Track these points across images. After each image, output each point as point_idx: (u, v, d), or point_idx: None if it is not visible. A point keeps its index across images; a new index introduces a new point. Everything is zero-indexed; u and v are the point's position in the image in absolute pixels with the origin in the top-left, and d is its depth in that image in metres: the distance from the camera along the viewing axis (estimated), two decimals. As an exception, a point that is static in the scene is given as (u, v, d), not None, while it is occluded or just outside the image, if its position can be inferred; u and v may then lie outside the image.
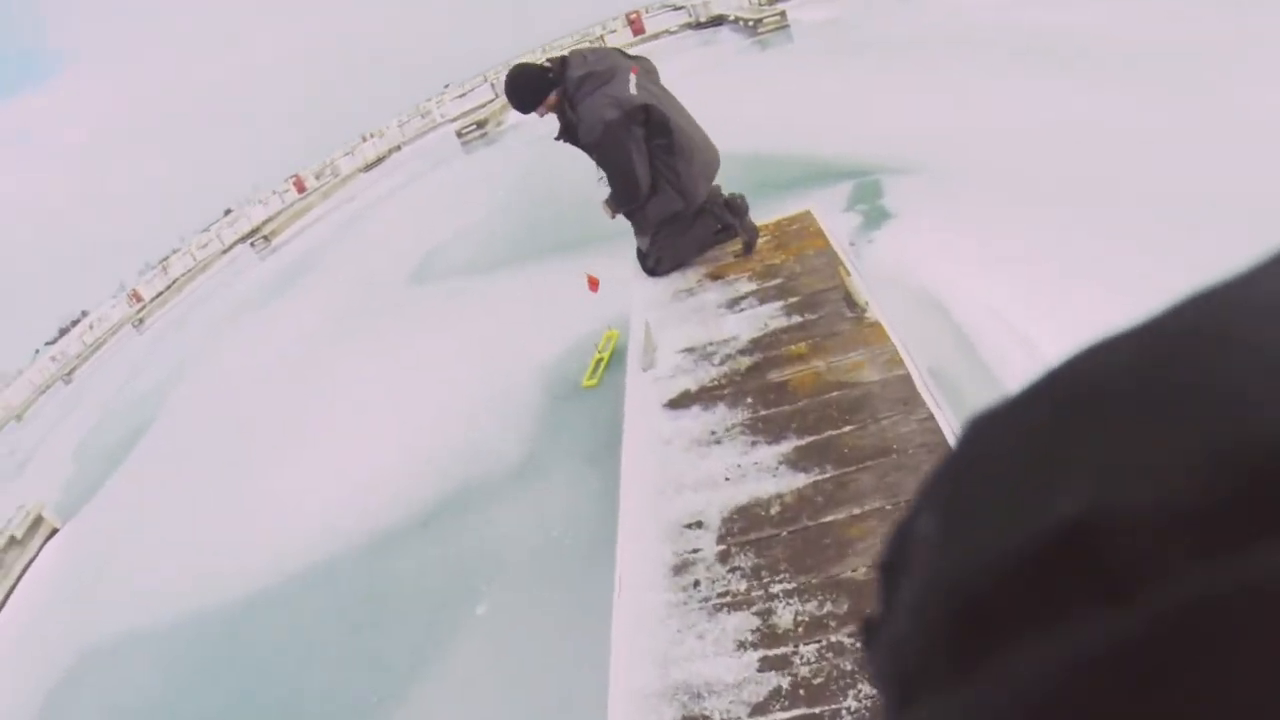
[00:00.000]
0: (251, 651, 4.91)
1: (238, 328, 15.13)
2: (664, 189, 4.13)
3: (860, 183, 6.99)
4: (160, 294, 32.91)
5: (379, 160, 34.02)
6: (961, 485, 0.22)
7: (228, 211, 56.70)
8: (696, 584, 2.40)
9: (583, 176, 10.75)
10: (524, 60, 4.45)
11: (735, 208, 4.31)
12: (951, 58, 10.05)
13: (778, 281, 3.85)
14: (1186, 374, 0.18)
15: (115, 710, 5.68)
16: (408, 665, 3.96)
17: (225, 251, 34.15)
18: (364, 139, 40.96)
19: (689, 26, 27.43)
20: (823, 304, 3.50)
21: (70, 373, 29.65)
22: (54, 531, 10.50)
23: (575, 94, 3.97)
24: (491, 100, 29.98)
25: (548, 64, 4.08)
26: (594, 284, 4.84)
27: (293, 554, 5.41)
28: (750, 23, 20.08)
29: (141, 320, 28.83)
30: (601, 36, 33.06)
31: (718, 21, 25.34)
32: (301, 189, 36.57)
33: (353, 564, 4.88)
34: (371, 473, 5.69)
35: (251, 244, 27.55)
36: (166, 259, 52.66)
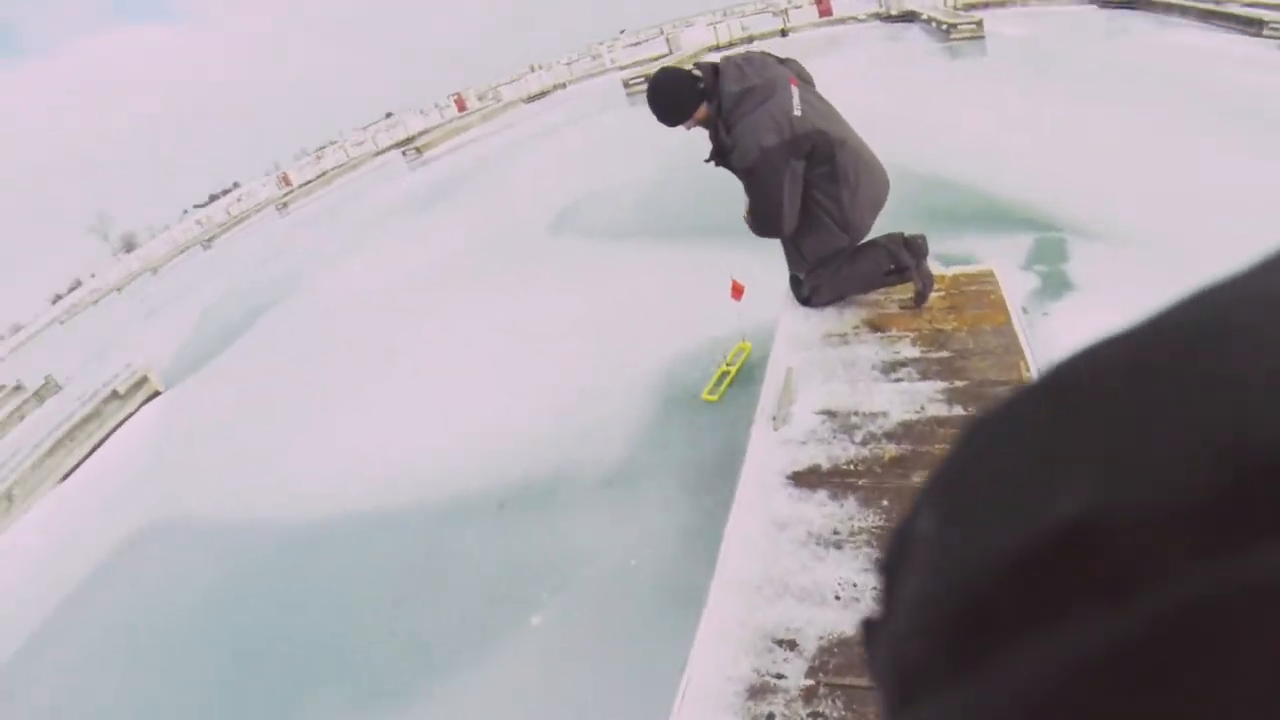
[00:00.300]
0: (289, 587, 4.69)
1: (369, 236, 15.26)
2: (823, 223, 3.59)
3: (1043, 239, 6.15)
4: (308, 182, 33.96)
5: (541, 94, 34.05)
6: (962, 485, 0.22)
7: (389, 115, 58.44)
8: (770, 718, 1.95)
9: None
10: (670, 64, 3.88)
11: (915, 248, 3.71)
12: (1160, 104, 8.91)
13: (944, 355, 3.27)
14: (1186, 372, 0.18)
15: (145, 595, 5.70)
16: (444, 656, 3.60)
17: (378, 154, 34.96)
18: (531, 69, 41.17)
19: (878, 17, 26.26)
20: (992, 400, 2.92)
21: (210, 239, 31.01)
22: (155, 394, 10.77)
23: (732, 112, 3.45)
24: (664, 55, 29.51)
25: (697, 71, 3.55)
26: (738, 291, 4.32)
27: (356, 496, 5.15)
28: (943, 26, 18.89)
29: (285, 204, 29.74)
30: (786, 10, 32.19)
31: (909, 18, 24.11)
32: (462, 108, 37.05)
33: (414, 526, 4.56)
34: (457, 431, 5.37)
35: (403, 152, 27.96)
36: (322, 149, 54.69)
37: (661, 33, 40.76)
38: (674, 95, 3.49)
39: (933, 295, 3.73)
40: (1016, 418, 0.21)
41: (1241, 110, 8.03)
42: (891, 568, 0.24)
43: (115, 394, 10.37)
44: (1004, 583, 0.18)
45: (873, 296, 3.87)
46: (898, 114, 10.57)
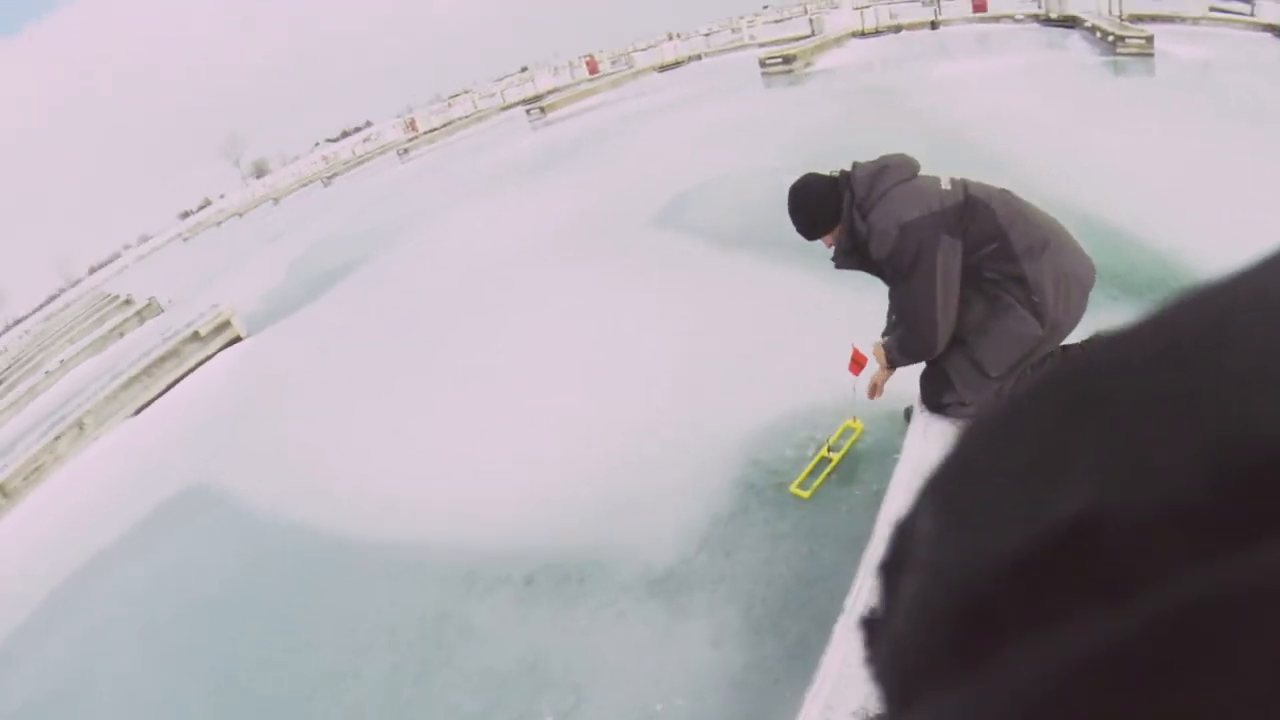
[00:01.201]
0: (297, 600, 4.32)
1: (474, 196, 14.91)
2: (1008, 310, 2.70)
3: None
4: (433, 130, 34.20)
5: (675, 64, 33.22)
6: (961, 484, 0.22)
7: (524, 69, 58.56)
8: None
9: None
10: (811, 171, 3.09)
11: None
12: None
13: None
14: (1187, 372, 0.18)
15: (167, 566, 5.57)
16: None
17: (504, 109, 34.90)
18: (669, 37, 40.34)
19: (1037, 19, 24.37)
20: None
21: (331, 177, 31.53)
22: (236, 339, 10.64)
23: (866, 198, 2.78)
24: (806, 35, 28.26)
25: (837, 175, 2.95)
26: (859, 364, 3.48)
27: (393, 521, 4.67)
28: (1109, 37, 17.11)
29: (407, 150, 29.92)
30: (938, 1, 30.55)
31: (1070, 23, 22.16)
32: (593, 70, 36.61)
33: (438, 578, 3.98)
34: (506, 466, 4.78)
35: (528, 110, 27.63)
36: (455, 97, 55.34)
37: (805, 12, 39.36)
38: (816, 201, 2.93)
39: None
40: (1016, 417, 0.21)
41: None
42: (891, 567, 0.24)
43: (196, 335, 10.28)
44: (1004, 583, 0.18)
45: None
46: (1053, 136, 9.43)
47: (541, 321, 6.87)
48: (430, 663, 3.52)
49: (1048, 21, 23.67)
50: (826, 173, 2.98)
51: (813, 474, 3.81)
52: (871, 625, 0.24)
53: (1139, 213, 6.68)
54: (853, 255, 2.91)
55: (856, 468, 3.79)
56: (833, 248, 3.03)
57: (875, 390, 3.37)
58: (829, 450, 3.86)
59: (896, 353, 3.01)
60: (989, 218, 2.66)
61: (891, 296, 2.98)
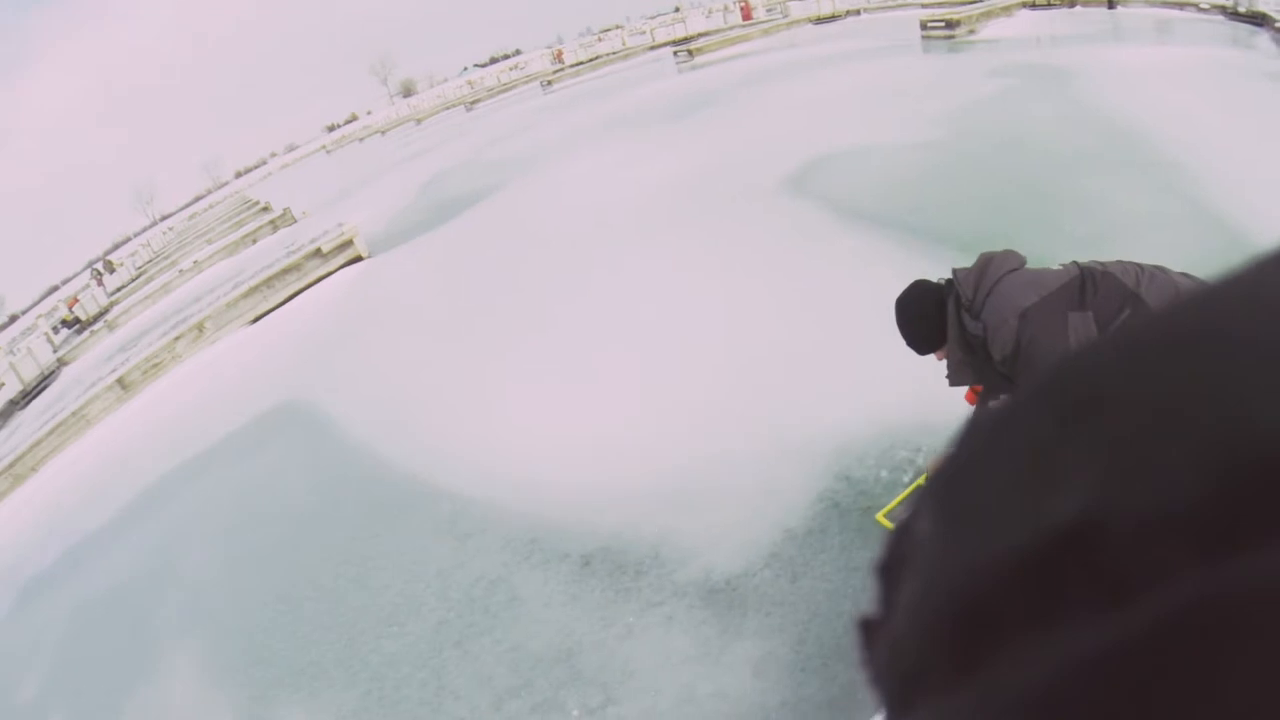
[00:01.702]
0: (359, 544, 4.32)
1: (610, 135, 14.74)
2: None
3: None
4: (579, 64, 34.07)
5: (833, 17, 31.91)
6: (961, 486, 0.22)
7: (677, 9, 57.68)
8: None
9: (1067, 166, 8.57)
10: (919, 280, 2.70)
11: None
12: None
13: None
14: (1186, 374, 0.18)
15: (244, 480, 5.82)
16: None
17: (652, 48, 34.44)
18: (830, -14, 38.90)
19: (1223, 11, 22.19)
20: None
21: (474, 102, 31.93)
22: (357, 259, 10.87)
23: (974, 297, 2.48)
24: (974, 1, 26.66)
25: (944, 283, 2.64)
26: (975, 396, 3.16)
27: (473, 461, 4.66)
28: None
29: (551, 82, 29.94)
30: None
31: (1258, 20, 20.08)
32: (747, 16, 35.67)
33: (499, 544, 3.92)
34: (586, 435, 4.63)
35: (675, 53, 27.15)
36: (606, 30, 55.13)
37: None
38: (921, 319, 2.65)
39: None
40: (1015, 419, 0.21)
41: None
42: (890, 568, 0.24)
43: (319, 251, 10.55)
44: (1004, 584, 0.18)
45: None
46: (1228, 148, 8.52)
47: (649, 286, 6.65)
48: (475, 628, 3.46)
49: (1235, 15, 21.54)
50: (936, 280, 2.67)
51: (899, 506, 3.49)
52: (869, 627, 0.24)
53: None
54: (968, 367, 2.60)
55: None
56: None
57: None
58: (924, 480, 3.46)
59: None
60: (1112, 284, 2.30)
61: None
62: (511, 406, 5.21)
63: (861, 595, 3.10)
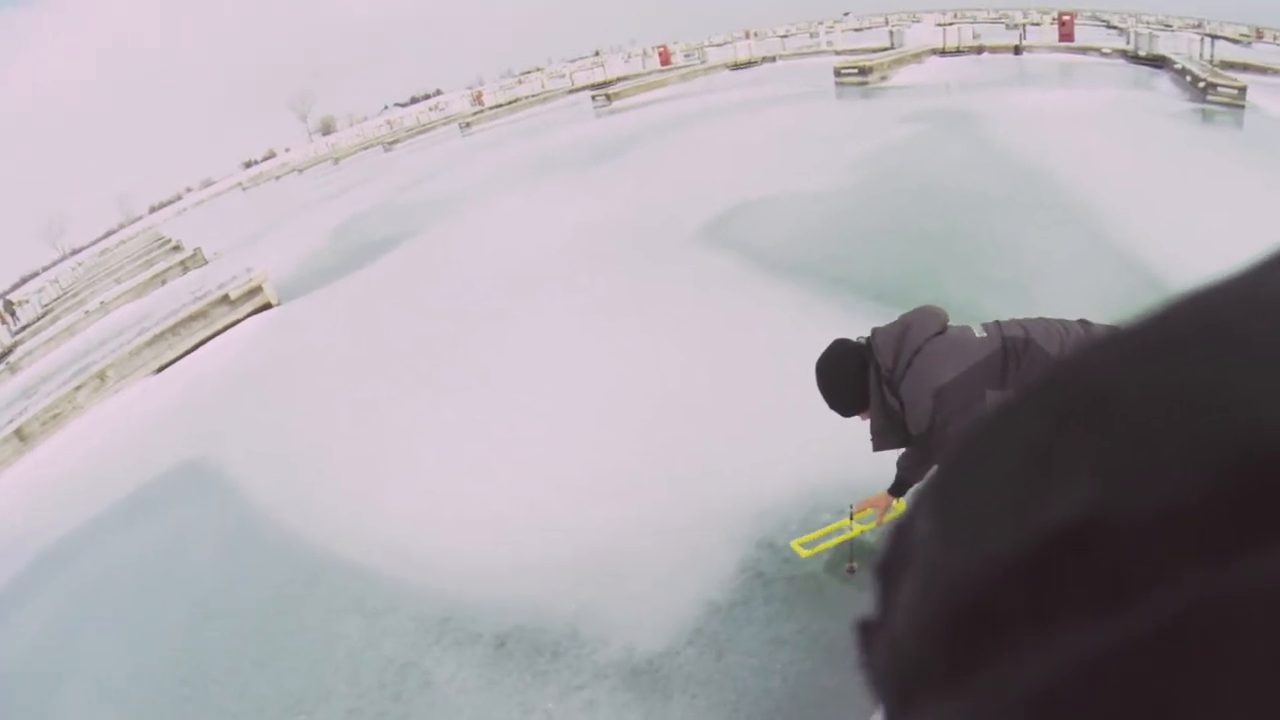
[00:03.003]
0: (263, 622, 3.99)
1: (525, 181, 14.64)
2: None
3: None
4: (499, 106, 34.07)
5: (749, 64, 32.69)
6: (961, 487, 0.22)
7: (597, 53, 58.28)
8: None
9: (980, 209, 8.74)
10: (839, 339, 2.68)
11: None
12: None
13: None
14: (1185, 374, 0.18)
15: (164, 536, 5.42)
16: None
17: (571, 92, 34.62)
18: (746, 35, 39.88)
19: (1125, 55, 23.44)
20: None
21: (392, 143, 31.55)
22: (266, 306, 10.49)
23: (893, 367, 2.40)
24: (885, 48, 27.56)
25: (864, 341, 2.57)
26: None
27: (382, 533, 4.41)
28: (1199, 83, 16.24)
29: (469, 124, 29.79)
30: (1024, 25, 29.93)
31: (1158, 63, 21.28)
32: (666, 61, 36.23)
33: (409, 626, 3.68)
34: (499, 503, 4.45)
35: (594, 96, 27.31)
36: (526, 74, 55.28)
37: (886, 23, 38.70)
38: (842, 382, 2.57)
39: None
40: (1014, 421, 0.21)
41: None
42: (889, 569, 0.24)
43: (226, 298, 10.15)
44: (1003, 585, 0.18)
45: None
46: (1135, 185, 8.86)
47: (565, 342, 6.51)
48: (386, 716, 3.25)
49: (1136, 59, 22.77)
50: (855, 339, 2.60)
51: (820, 540, 3.42)
52: (868, 628, 0.24)
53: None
54: (890, 435, 2.53)
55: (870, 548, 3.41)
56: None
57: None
58: (849, 523, 3.32)
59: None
60: (1035, 354, 2.27)
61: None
62: (422, 471, 4.98)
63: (789, 672, 3.01)
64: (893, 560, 0.23)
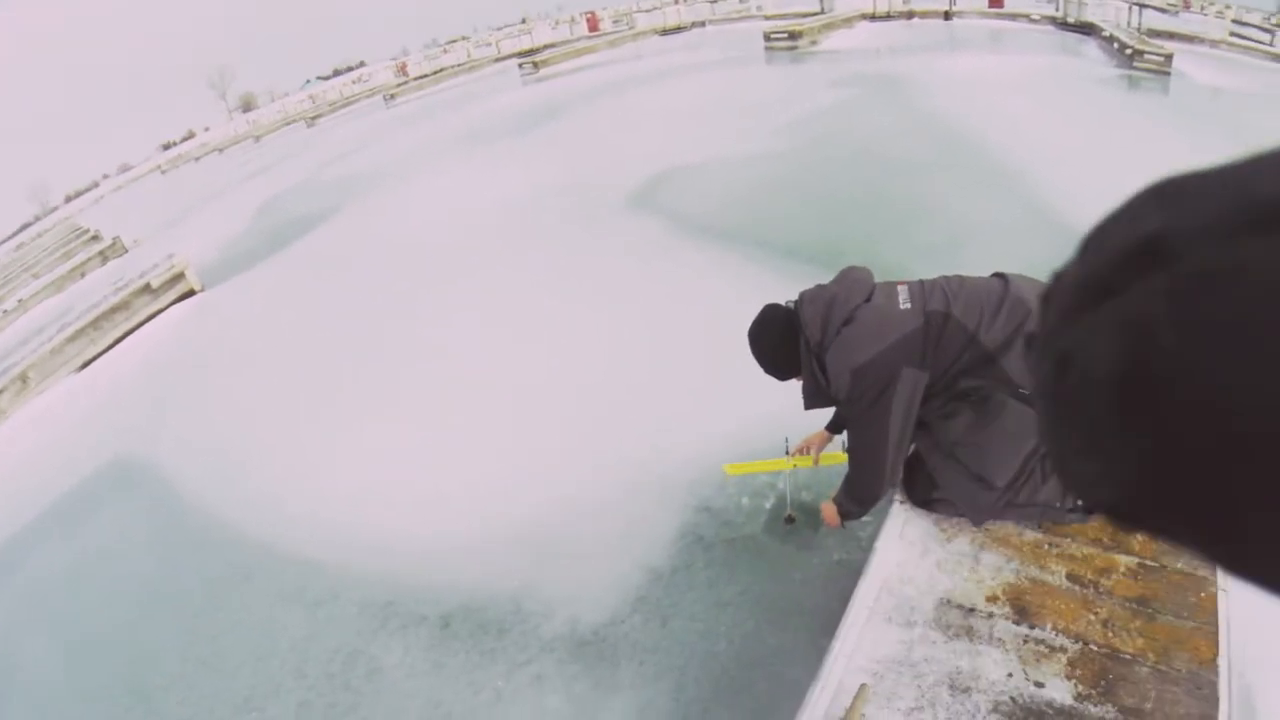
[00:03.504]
0: (202, 619, 3.90)
1: (451, 153, 14.40)
2: (1000, 405, 2.37)
3: None
4: (424, 76, 33.29)
5: (678, 29, 32.41)
6: (1103, 227, 0.36)
7: (524, 20, 57.12)
8: None
9: (909, 174, 8.77)
10: (770, 304, 2.74)
11: None
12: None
13: (1108, 713, 2.07)
14: (1231, 175, 0.31)
15: (80, 544, 5.28)
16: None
17: (498, 60, 33.98)
18: (675, 1, 39.54)
19: (1053, 22, 23.78)
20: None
21: (315, 118, 30.65)
22: (190, 293, 10.16)
23: (821, 339, 2.45)
24: (815, 13, 27.53)
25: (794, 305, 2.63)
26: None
27: (321, 520, 4.32)
28: (1126, 50, 16.58)
29: (394, 96, 29.08)
30: None
31: (1087, 30, 21.65)
32: (593, 28, 35.76)
33: (352, 613, 3.64)
34: (443, 481, 4.41)
35: (521, 65, 26.84)
36: (452, 42, 54.03)
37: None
38: (774, 349, 2.63)
39: (1123, 561, 2.47)
40: (1127, 202, 0.35)
41: None
42: (1061, 274, 0.38)
43: (148, 287, 9.79)
44: (1116, 264, 0.33)
45: (1032, 535, 2.59)
46: (1063, 150, 9.02)
47: (497, 316, 6.44)
48: (338, 707, 3.21)
49: (1064, 25, 23.10)
50: (785, 303, 2.64)
51: (756, 471, 3.54)
52: (1049, 298, 0.39)
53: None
54: (820, 397, 2.58)
55: (820, 533, 3.44)
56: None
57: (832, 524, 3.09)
58: (789, 454, 3.27)
59: (848, 503, 2.73)
60: (955, 329, 2.33)
61: (848, 436, 2.66)
62: (357, 455, 4.90)
63: (733, 633, 3.05)
64: (1061, 271, 0.38)
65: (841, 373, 2.38)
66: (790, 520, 3.41)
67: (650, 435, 4.32)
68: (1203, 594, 2.26)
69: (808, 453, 3.20)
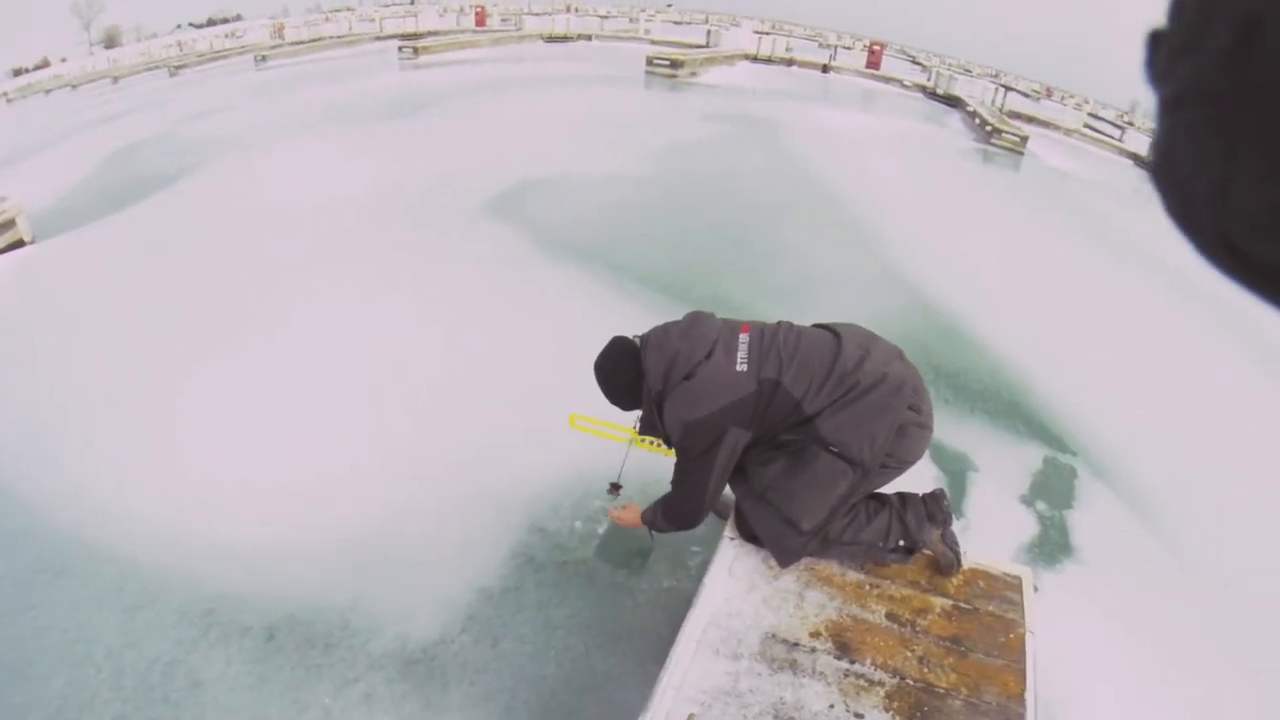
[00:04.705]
0: (15, 619, 3.53)
1: (315, 128, 13.72)
2: (814, 456, 2.58)
3: (1052, 461, 4.74)
4: (299, 42, 31.67)
5: (564, 38, 32.31)
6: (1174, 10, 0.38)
7: (412, 1, 55.25)
8: None
9: (768, 216, 8.92)
10: (622, 335, 2.93)
11: (934, 514, 2.75)
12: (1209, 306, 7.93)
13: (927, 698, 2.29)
14: None
15: None
16: None
17: (379, 39, 32.77)
18: (567, 9, 39.34)
19: (924, 91, 25.31)
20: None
21: (179, 67, 28.58)
22: (19, 243, 9.23)
23: (662, 389, 2.66)
24: (701, 46, 28.03)
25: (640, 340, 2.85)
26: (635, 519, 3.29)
27: (140, 514, 3.99)
28: (986, 127, 17.89)
29: (265, 58, 27.50)
30: (835, 47, 31.59)
31: (952, 102, 23.26)
32: (481, 23, 35.11)
33: (173, 619, 3.38)
34: (279, 478, 4.19)
35: (401, 48, 25.93)
36: (336, 11, 51.60)
37: (706, 21, 39.46)
38: (620, 385, 2.84)
39: (938, 602, 2.69)
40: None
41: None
42: (1157, 37, 0.40)
43: (-26, 231, 8.84)
44: (1231, 37, 0.33)
45: (855, 576, 2.80)
46: (916, 215, 9.59)
47: (344, 309, 6.18)
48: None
49: (933, 95, 24.70)
50: (632, 336, 2.85)
51: (593, 423, 3.67)
52: (1157, 40, 0.40)
53: (981, 315, 6.75)
54: (655, 430, 2.81)
55: (651, 559, 3.53)
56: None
57: (621, 521, 3.25)
58: (635, 434, 3.27)
59: (661, 521, 2.93)
60: (783, 398, 2.56)
61: (674, 468, 2.82)
62: (184, 446, 4.56)
63: (563, 657, 3.09)
64: (1157, 32, 0.39)
65: (675, 423, 2.60)
66: (615, 488, 3.48)
67: (487, 450, 4.31)
68: (1011, 635, 2.52)
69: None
